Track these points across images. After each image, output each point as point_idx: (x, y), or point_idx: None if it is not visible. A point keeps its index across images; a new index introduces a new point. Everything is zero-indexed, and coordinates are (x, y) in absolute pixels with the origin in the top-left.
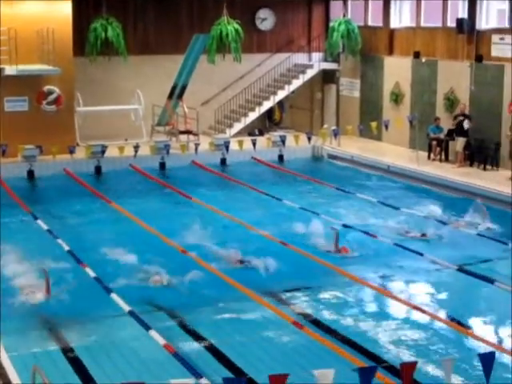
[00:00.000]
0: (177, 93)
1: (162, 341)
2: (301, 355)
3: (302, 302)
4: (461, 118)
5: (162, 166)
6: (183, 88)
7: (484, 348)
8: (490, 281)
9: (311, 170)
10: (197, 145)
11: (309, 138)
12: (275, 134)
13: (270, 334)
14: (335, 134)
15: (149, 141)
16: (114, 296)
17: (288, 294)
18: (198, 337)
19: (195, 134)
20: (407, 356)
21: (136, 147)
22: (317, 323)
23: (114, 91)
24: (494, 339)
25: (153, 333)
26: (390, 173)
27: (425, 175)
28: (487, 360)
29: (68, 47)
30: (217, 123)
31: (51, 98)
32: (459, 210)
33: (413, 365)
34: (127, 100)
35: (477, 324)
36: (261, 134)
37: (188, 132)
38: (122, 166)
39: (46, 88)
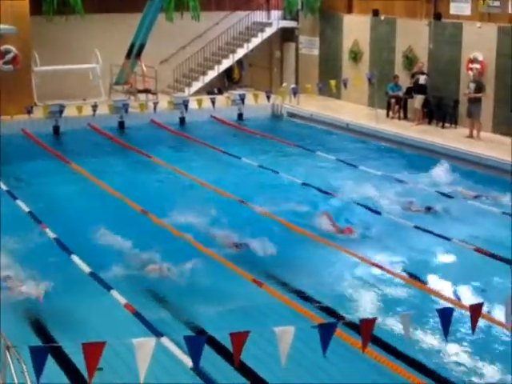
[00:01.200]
0: (135, 52)
1: (122, 300)
2: (261, 313)
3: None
4: (419, 76)
5: (121, 125)
6: (141, 47)
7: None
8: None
9: (271, 128)
10: (155, 104)
11: (268, 97)
12: (234, 93)
13: (229, 288)
14: (294, 92)
15: (107, 100)
16: (74, 257)
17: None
18: (156, 296)
19: (154, 93)
20: (367, 313)
21: (94, 107)
22: (275, 279)
23: (72, 50)
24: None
25: (114, 292)
26: (349, 131)
27: (383, 133)
28: (445, 315)
29: (24, 6)
30: (175, 82)
31: (8, 57)
32: (417, 167)
33: (372, 321)
34: (85, 59)
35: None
36: (220, 92)
37: (146, 91)
38: (81, 126)
39: (3, 47)
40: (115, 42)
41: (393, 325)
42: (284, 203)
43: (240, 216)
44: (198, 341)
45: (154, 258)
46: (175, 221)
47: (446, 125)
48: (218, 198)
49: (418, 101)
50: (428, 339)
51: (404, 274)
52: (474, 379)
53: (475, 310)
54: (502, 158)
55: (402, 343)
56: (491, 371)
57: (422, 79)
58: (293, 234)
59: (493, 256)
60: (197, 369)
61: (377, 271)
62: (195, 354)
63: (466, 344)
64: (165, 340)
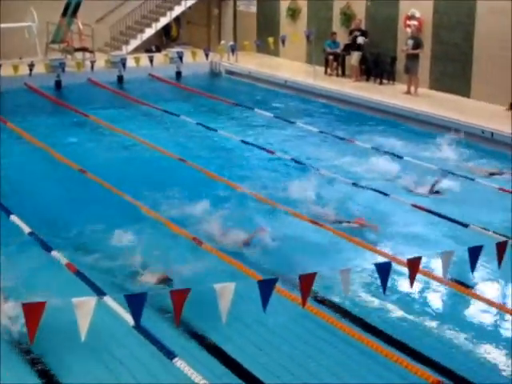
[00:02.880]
0: (71, 9)
1: (64, 260)
2: (200, 273)
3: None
4: (357, 33)
5: (58, 84)
6: (77, 4)
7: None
8: None
9: (209, 86)
10: (93, 62)
11: (206, 55)
12: (172, 51)
13: (168, 247)
14: (232, 49)
15: (44, 59)
16: (14, 218)
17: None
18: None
19: (91, 52)
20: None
21: (31, 65)
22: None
23: (7, 9)
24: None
25: (54, 253)
26: (288, 88)
27: (321, 90)
28: (383, 269)
29: None
30: (113, 40)
31: None
32: (355, 124)
33: (311, 276)
34: (21, 17)
35: None
36: (158, 50)
37: (83, 49)
38: (17, 85)
39: None
40: (51, 0)
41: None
42: (223, 161)
43: (179, 174)
44: (138, 299)
45: (93, 216)
46: (112, 178)
47: (384, 81)
48: (158, 156)
49: (354, 58)
50: (367, 296)
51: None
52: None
53: (413, 265)
54: (439, 114)
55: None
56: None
57: (360, 39)
58: (235, 192)
59: None
60: (138, 327)
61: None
62: (136, 312)
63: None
64: (107, 299)
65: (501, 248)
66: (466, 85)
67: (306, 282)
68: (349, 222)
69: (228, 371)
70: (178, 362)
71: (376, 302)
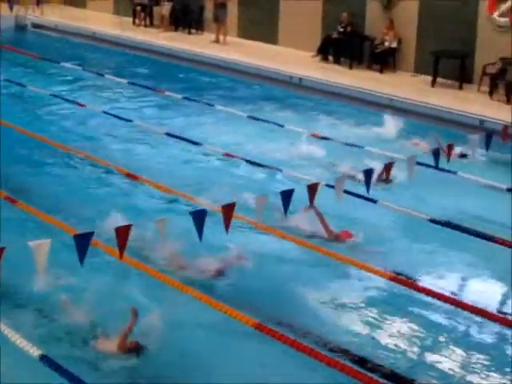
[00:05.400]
0: None
1: None
2: None
3: None
4: None
5: None
6: None
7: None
8: None
9: (15, 40)
10: None
11: (11, 8)
12: None
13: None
14: (38, 2)
15: None
16: None
17: None
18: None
19: None
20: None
21: None
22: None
23: None
24: None
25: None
26: (96, 40)
27: (130, 41)
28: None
29: None
30: None
31: None
32: (166, 75)
33: (127, 228)
34: None
35: None
36: None
37: None
38: None
39: None
40: None
41: None
42: (31, 116)
43: None
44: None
45: None
46: None
47: (193, 31)
48: None
49: (166, 8)
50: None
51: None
52: None
53: (227, 210)
54: (246, 61)
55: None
56: None
57: None
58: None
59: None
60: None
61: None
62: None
63: None
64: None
65: (312, 190)
66: (274, 32)
67: (122, 233)
68: None
69: None
70: None
71: None
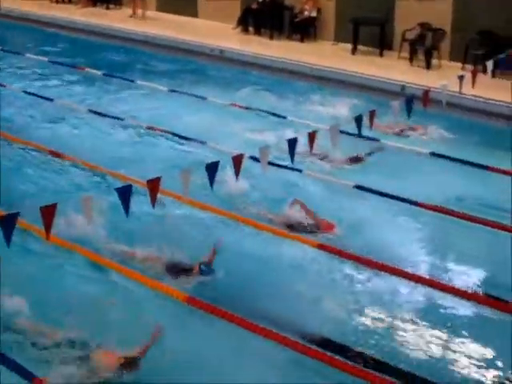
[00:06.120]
0: None
1: None
2: None
3: None
4: None
5: None
6: None
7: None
8: None
9: None
10: None
11: None
12: None
13: None
14: None
15: None
16: None
17: None
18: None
19: None
20: None
21: None
22: None
23: None
24: None
25: None
26: (15, 18)
27: (49, 18)
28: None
29: None
30: None
31: None
32: (83, 51)
33: (51, 208)
34: None
35: None
36: None
37: None
38: None
39: None
40: None
41: None
42: None
43: None
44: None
45: None
46: None
47: (111, 6)
48: None
49: None
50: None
51: None
52: None
53: (153, 185)
54: (165, 35)
55: None
56: None
57: None
58: None
59: None
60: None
61: None
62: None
63: None
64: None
65: (236, 161)
66: (193, 5)
67: (47, 213)
68: None
69: None
70: None
71: None
